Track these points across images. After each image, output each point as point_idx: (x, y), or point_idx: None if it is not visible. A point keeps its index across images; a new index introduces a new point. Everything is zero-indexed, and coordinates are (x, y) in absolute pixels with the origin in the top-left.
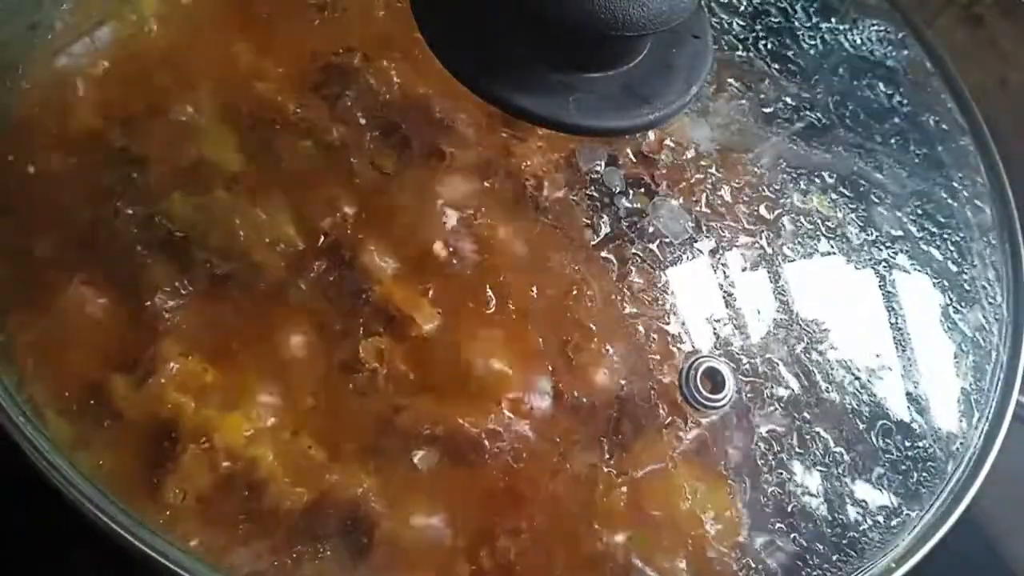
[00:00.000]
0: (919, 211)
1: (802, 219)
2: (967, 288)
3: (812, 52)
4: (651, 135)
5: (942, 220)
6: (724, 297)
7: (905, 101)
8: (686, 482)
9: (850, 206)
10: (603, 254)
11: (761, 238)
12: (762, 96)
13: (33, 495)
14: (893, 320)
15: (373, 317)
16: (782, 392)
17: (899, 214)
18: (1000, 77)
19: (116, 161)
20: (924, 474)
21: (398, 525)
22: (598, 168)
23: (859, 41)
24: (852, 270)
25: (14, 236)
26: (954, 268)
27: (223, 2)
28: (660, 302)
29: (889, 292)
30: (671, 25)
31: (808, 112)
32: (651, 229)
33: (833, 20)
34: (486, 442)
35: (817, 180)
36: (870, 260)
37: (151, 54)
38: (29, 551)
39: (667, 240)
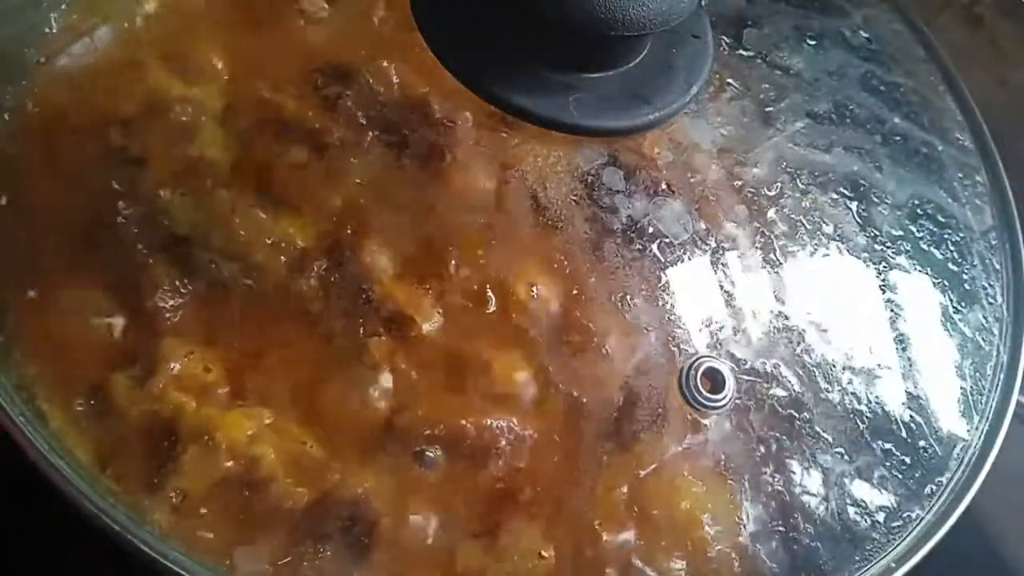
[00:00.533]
0: (919, 211)
1: (802, 219)
2: (967, 288)
3: (812, 52)
4: (651, 135)
5: (942, 220)
6: (724, 297)
7: (905, 101)
8: (686, 482)
9: (850, 206)
10: (603, 254)
11: (761, 238)
12: (762, 96)
13: (33, 495)
14: (893, 320)
15: (373, 317)
16: (782, 392)
17: (899, 214)
18: (1000, 77)
19: (116, 161)
20: (924, 475)
21: (398, 525)
22: (598, 168)
23: (859, 41)
24: (852, 270)
25: (15, 235)
26: (954, 268)
27: (223, 2)
28: (660, 302)
29: (889, 292)
30: (671, 25)
31: (808, 112)
32: (651, 229)
33: (833, 20)
34: (487, 442)
35: (817, 180)
36: (870, 260)
37: (151, 54)
38: (29, 551)
39: (667, 240)
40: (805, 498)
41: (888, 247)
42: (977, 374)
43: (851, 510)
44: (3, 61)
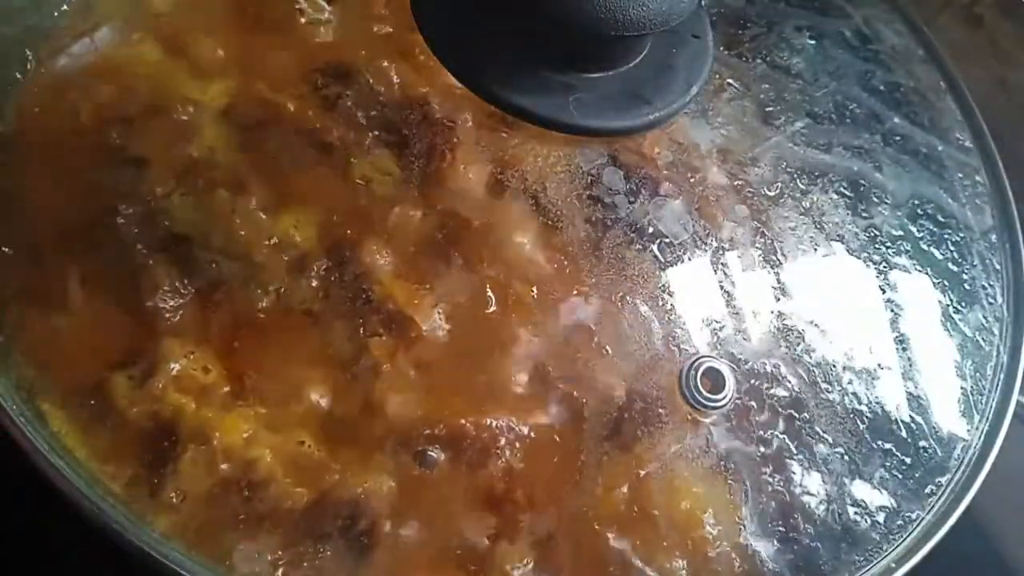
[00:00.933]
0: (919, 211)
1: (802, 219)
2: (967, 288)
3: (812, 52)
4: (651, 135)
5: (942, 220)
6: (724, 297)
7: (905, 101)
8: (686, 482)
9: (850, 206)
10: (603, 254)
11: (761, 238)
12: (762, 96)
13: (33, 495)
14: (893, 320)
15: (374, 317)
16: (782, 392)
17: (899, 214)
18: (1000, 77)
19: (116, 161)
20: (924, 475)
21: (398, 525)
22: (598, 168)
23: (859, 41)
24: (852, 270)
25: (14, 235)
26: (954, 268)
27: (224, 2)
28: (660, 302)
29: (889, 292)
30: (671, 25)
31: (808, 112)
32: (651, 229)
33: (833, 20)
34: (487, 442)
35: (817, 180)
36: (870, 260)
37: (151, 54)
38: (29, 551)
39: (667, 240)
40: (805, 498)
41: (888, 247)
42: (977, 374)
43: (851, 510)
44: (3, 61)
